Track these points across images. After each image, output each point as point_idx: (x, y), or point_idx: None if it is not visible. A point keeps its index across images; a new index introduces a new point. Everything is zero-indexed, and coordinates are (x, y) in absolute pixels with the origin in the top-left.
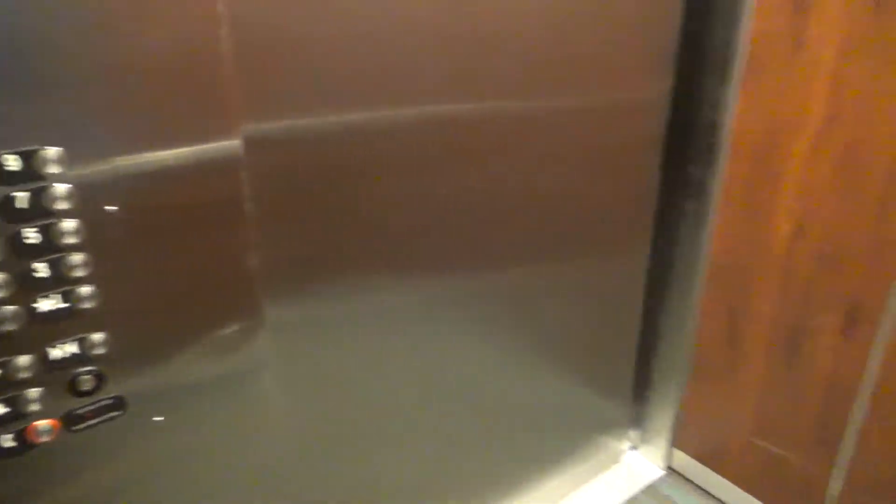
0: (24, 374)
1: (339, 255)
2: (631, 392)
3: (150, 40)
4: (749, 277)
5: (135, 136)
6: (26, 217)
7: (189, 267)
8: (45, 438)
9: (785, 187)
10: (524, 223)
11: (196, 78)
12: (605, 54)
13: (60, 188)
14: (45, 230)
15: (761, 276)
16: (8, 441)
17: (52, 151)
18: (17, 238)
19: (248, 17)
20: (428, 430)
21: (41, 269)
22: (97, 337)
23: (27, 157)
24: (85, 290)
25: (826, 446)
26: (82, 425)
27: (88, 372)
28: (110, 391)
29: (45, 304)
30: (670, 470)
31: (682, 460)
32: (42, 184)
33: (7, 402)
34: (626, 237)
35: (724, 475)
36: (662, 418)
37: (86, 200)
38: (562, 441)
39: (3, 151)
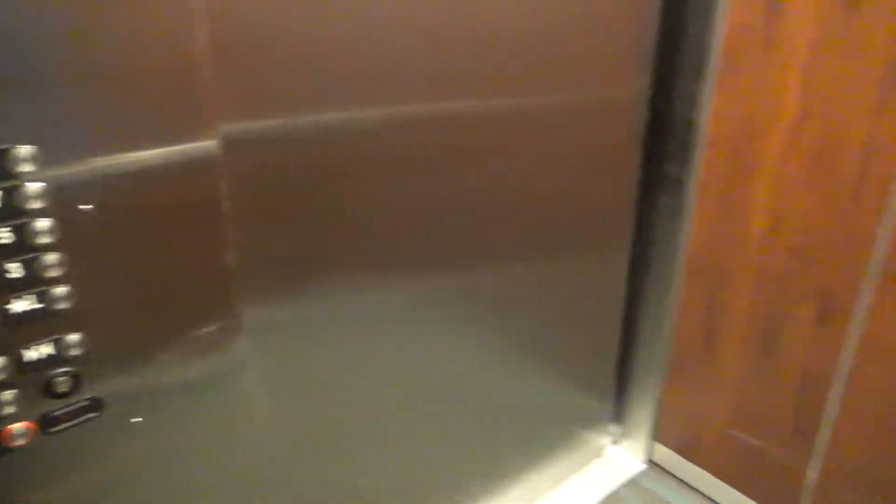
0: None
1: (320, 255)
2: (612, 387)
3: (125, 37)
4: (725, 272)
5: (109, 135)
6: None
7: (166, 267)
8: (20, 441)
9: (760, 183)
10: (507, 222)
11: (172, 77)
12: (587, 53)
13: (33, 187)
14: (19, 230)
15: (737, 270)
16: None
17: (24, 150)
18: None
19: (226, 13)
20: (412, 429)
21: (14, 270)
22: (73, 338)
23: None
24: (59, 290)
25: (802, 436)
26: (59, 427)
27: (64, 373)
28: (87, 392)
29: (19, 305)
30: (651, 463)
31: (663, 454)
32: (14, 183)
33: None
34: (606, 235)
35: (703, 467)
36: (643, 413)
37: (60, 200)
38: (544, 437)
39: None
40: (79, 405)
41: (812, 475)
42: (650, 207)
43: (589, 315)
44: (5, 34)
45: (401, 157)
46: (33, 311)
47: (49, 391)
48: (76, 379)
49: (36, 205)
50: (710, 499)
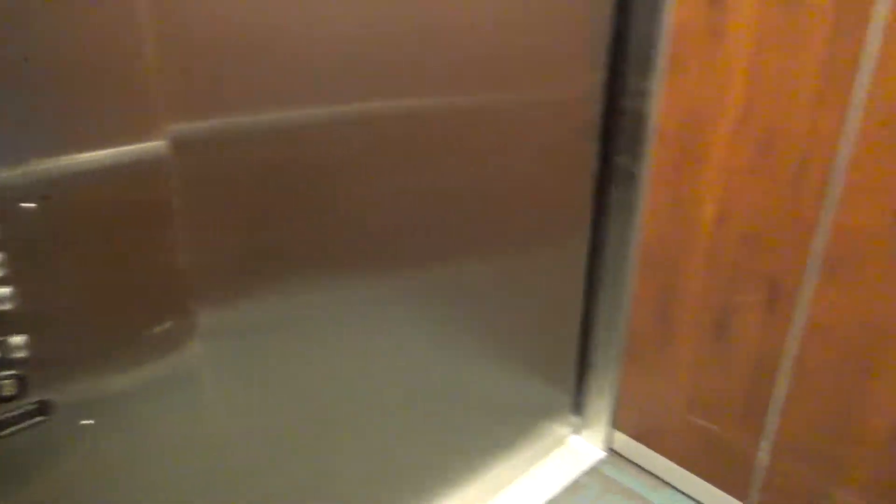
0: None
1: (274, 255)
2: (572, 378)
3: (67, 37)
4: (678, 260)
5: (53, 136)
6: None
7: (115, 268)
8: None
9: (708, 173)
10: (466, 218)
11: (115, 77)
12: (543, 50)
13: None
14: None
15: (689, 259)
16: None
17: None
18: None
19: (172, 14)
20: (374, 426)
21: None
22: (17, 340)
23: None
24: (1, 291)
25: (753, 418)
26: (5, 431)
27: (9, 377)
28: (34, 396)
29: None
30: (611, 451)
31: (622, 441)
32: None
33: None
34: (565, 228)
35: (661, 453)
36: (602, 402)
37: (0, 199)
38: (506, 429)
39: None
40: (25, 409)
41: (763, 456)
42: (605, 199)
43: (549, 308)
44: None
45: (354, 156)
46: None
47: None
48: (22, 382)
49: None
50: (667, 483)
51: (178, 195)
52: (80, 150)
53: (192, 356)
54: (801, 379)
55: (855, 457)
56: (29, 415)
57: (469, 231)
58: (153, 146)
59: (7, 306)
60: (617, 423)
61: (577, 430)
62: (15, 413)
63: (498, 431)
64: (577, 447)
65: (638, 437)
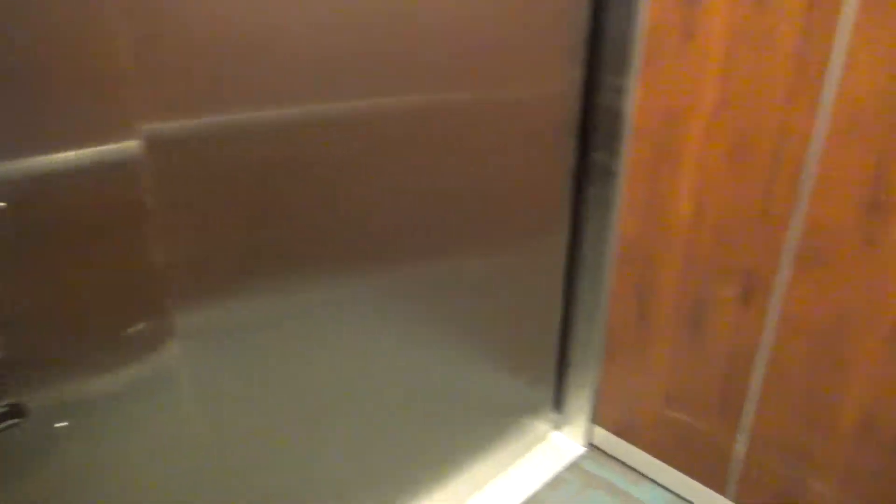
0: None
1: (252, 255)
2: (552, 375)
3: (35, 35)
4: (655, 257)
5: (24, 136)
6: None
7: (89, 268)
8: None
9: (683, 170)
10: (445, 216)
11: (88, 76)
12: (521, 48)
13: None
14: None
15: (665, 254)
16: None
17: None
18: None
19: (145, 14)
20: (355, 425)
21: None
22: None
23: None
24: None
25: (730, 411)
26: None
27: None
28: (6, 398)
29: None
30: (591, 446)
31: (602, 436)
32: None
33: None
34: (544, 225)
35: (641, 447)
36: (582, 398)
37: None
38: (488, 426)
39: None
40: None
41: (739, 448)
42: (583, 196)
43: (528, 305)
44: None
45: (332, 154)
46: None
47: None
48: None
49: None
50: (647, 476)
51: (152, 195)
52: (52, 150)
53: (169, 357)
54: (775, 371)
55: (829, 447)
56: (2, 417)
57: (448, 228)
58: (126, 146)
59: None
60: (597, 419)
61: (557, 426)
62: None
63: (479, 428)
64: (558, 443)
65: (617, 432)
